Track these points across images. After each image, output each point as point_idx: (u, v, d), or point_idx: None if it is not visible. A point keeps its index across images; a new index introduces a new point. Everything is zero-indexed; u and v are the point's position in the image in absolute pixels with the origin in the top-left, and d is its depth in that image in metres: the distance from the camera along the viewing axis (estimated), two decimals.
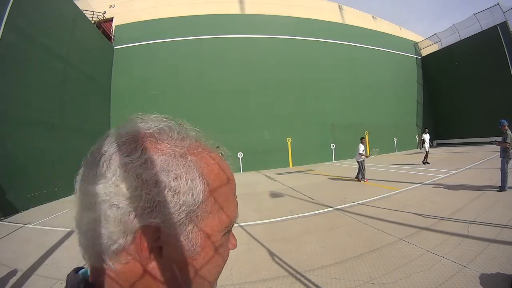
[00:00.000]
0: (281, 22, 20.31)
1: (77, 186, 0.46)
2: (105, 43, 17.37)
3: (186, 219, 0.42)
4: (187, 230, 0.42)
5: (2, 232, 6.31)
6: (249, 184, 11.99)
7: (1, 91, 8.85)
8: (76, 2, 14.23)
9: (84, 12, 15.29)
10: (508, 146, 6.91)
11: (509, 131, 6.99)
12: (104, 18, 18.52)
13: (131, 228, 0.39)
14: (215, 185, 0.47)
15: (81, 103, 13.70)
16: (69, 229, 6.23)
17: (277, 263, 3.84)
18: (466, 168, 10.84)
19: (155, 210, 0.39)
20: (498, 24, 20.42)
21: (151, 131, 0.46)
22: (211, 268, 0.47)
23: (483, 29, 21.89)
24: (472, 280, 2.93)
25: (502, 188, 6.72)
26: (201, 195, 0.43)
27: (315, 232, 5.02)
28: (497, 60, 20.10)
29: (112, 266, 0.40)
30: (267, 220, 6.08)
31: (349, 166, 15.54)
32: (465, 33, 23.56)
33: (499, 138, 7.20)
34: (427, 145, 13.48)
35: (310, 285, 3.19)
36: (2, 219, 7.78)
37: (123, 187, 0.39)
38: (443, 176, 9.73)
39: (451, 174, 9.96)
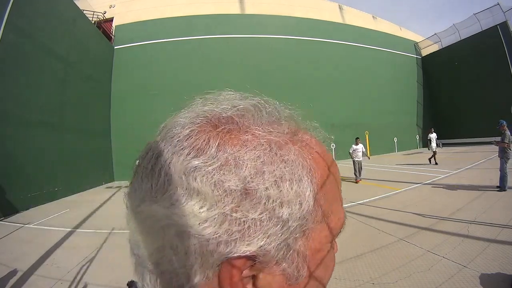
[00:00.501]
0: (281, 22, 20.30)
1: (127, 201, 0.35)
2: (105, 43, 17.37)
3: (290, 238, 0.29)
4: (291, 252, 0.29)
5: (2, 232, 6.30)
6: None
7: (1, 91, 8.85)
8: (76, 2, 14.23)
9: (84, 12, 15.29)
10: (506, 146, 6.91)
11: (507, 131, 6.99)
12: (104, 18, 18.51)
13: (213, 261, 0.27)
14: (322, 183, 0.33)
15: (81, 103, 13.70)
16: (69, 229, 6.24)
17: None
18: (466, 168, 10.83)
19: (247, 234, 0.27)
20: (498, 24, 20.38)
21: (228, 113, 0.34)
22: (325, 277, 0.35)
23: (483, 29, 21.85)
24: (472, 280, 2.92)
25: (501, 188, 6.71)
26: (311, 202, 0.31)
27: None
28: (497, 60, 20.06)
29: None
30: None
31: (349, 166, 15.52)
32: (465, 33, 23.53)
33: (498, 138, 7.19)
34: (434, 144, 13.07)
35: None
36: (2, 219, 7.78)
37: (195, 204, 0.27)
38: (443, 176, 9.72)
39: (451, 174, 9.95)
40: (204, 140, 0.29)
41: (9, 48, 9.16)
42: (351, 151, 10.65)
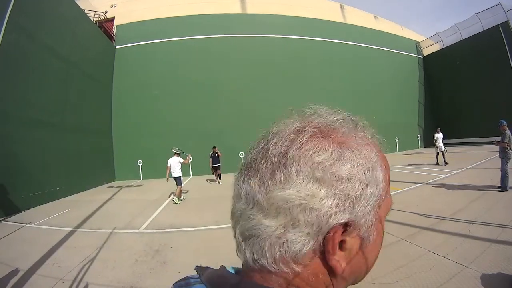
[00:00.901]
0: (283, 21, 20.27)
1: (246, 195, 0.45)
2: (106, 43, 17.40)
3: (371, 209, 0.41)
4: (369, 219, 0.41)
5: (4, 231, 6.33)
6: None
7: (2, 91, 8.88)
8: (77, 2, 14.26)
9: (86, 11, 15.31)
10: (506, 146, 6.90)
11: (507, 131, 6.97)
12: (105, 17, 18.55)
13: (324, 228, 0.38)
14: (387, 171, 0.48)
15: (82, 103, 13.74)
16: (70, 229, 6.25)
17: None
18: (468, 168, 10.81)
19: (348, 206, 0.39)
20: (499, 24, 20.31)
21: (334, 125, 0.47)
22: (376, 253, 0.47)
23: (484, 29, 21.78)
24: (474, 280, 2.92)
25: (503, 188, 6.70)
26: (382, 184, 0.43)
27: None
28: (498, 60, 20.00)
29: (296, 268, 0.39)
30: None
31: None
32: (467, 33, 23.45)
33: (499, 138, 7.18)
34: (440, 144, 12.56)
35: None
36: (4, 218, 7.81)
37: (317, 188, 0.38)
38: (444, 176, 9.71)
39: (452, 174, 9.94)
40: (323, 144, 0.41)
41: (11, 48, 9.18)
42: None
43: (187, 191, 10.97)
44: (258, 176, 0.43)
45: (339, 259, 0.40)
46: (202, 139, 15.86)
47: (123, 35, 18.57)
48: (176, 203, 8.58)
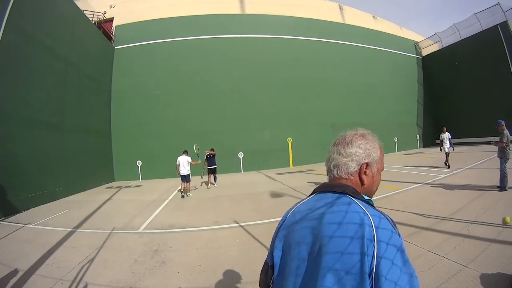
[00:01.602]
0: (282, 22, 20.28)
1: (335, 150, 1.04)
2: (105, 43, 17.39)
3: (374, 161, 1.01)
4: (374, 164, 1.01)
5: (3, 232, 6.32)
6: (250, 184, 12.01)
7: (2, 91, 8.86)
8: (76, 2, 14.25)
9: (85, 12, 15.29)
10: (504, 146, 6.91)
11: (505, 131, 6.99)
12: (104, 18, 18.52)
13: (360, 163, 0.98)
14: (381, 151, 1.05)
15: (81, 103, 13.72)
16: (69, 229, 6.25)
17: None
18: (467, 168, 10.83)
19: (369, 156, 0.99)
20: (498, 24, 20.35)
21: (365, 132, 1.08)
22: (379, 179, 1.06)
23: (483, 29, 21.82)
24: (473, 280, 2.93)
25: (502, 188, 6.71)
26: (379, 153, 1.03)
27: None
28: (497, 60, 20.04)
29: (352, 177, 0.98)
30: (268, 220, 6.09)
31: None
32: (466, 33, 23.49)
33: (497, 138, 7.19)
34: (446, 145, 12.07)
35: None
36: (3, 219, 7.79)
37: (360, 149, 0.99)
38: (443, 176, 9.73)
39: (452, 174, 9.96)
40: (361, 136, 1.04)
41: (10, 48, 9.16)
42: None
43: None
44: (340, 145, 1.03)
45: (364, 177, 0.98)
46: (201, 139, 15.83)
47: (122, 36, 18.56)
48: (184, 197, 9.77)
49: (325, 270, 0.76)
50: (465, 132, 22.36)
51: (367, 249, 0.73)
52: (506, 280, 2.84)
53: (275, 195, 8.96)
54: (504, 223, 2.54)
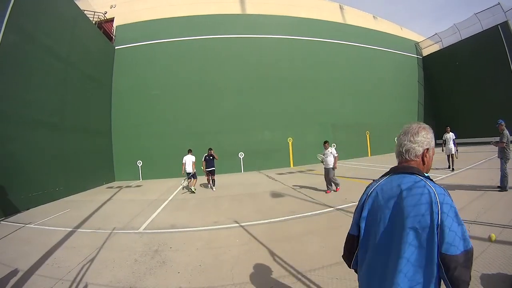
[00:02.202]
0: (282, 22, 20.28)
1: (406, 138, 1.36)
2: (106, 43, 17.40)
3: (431, 147, 1.36)
4: (431, 149, 1.36)
5: (3, 232, 6.33)
6: (250, 184, 12.00)
7: (2, 91, 8.87)
8: (77, 2, 14.26)
9: (85, 12, 15.31)
10: (504, 146, 6.90)
11: (505, 131, 6.98)
12: (105, 18, 18.52)
13: (424, 148, 1.32)
14: (433, 139, 1.38)
15: (81, 103, 13.73)
16: (69, 229, 6.25)
17: (278, 263, 3.84)
18: (467, 168, 10.81)
19: (429, 144, 1.34)
20: (499, 24, 20.31)
21: (425, 125, 1.38)
22: (431, 162, 1.38)
23: (484, 29, 21.79)
24: (473, 280, 2.89)
25: (502, 188, 6.70)
26: (434, 142, 1.38)
27: (316, 232, 5.03)
28: (498, 60, 20.01)
29: (417, 159, 1.33)
30: (268, 220, 6.09)
31: (350, 166, 15.53)
32: (466, 33, 23.45)
33: (497, 138, 7.17)
34: (451, 146, 10.89)
35: (311, 285, 3.19)
36: (3, 219, 7.81)
37: (424, 138, 1.33)
38: (443, 176, 9.72)
39: (452, 174, 9.95)
40: (425, 129, 1.37)
41: (10, 48, 9.18)
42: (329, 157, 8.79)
43: (190, 189, 10.94)
44: (410, 134, 1.34)
45: (425, 159, 1.34)
46: (201, 140, 15.84)
47: (123, 36, 18.56)
48: (194, 192, 10.52)
49: (408, 229, 1.12)
50: (466, 132, 22.28)
51: (435, 210, 1.09)
52: (506, 280, 2.84)
53: (275, 195, 8.97)
54: (490, 240, 2.56)
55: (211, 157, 11.10)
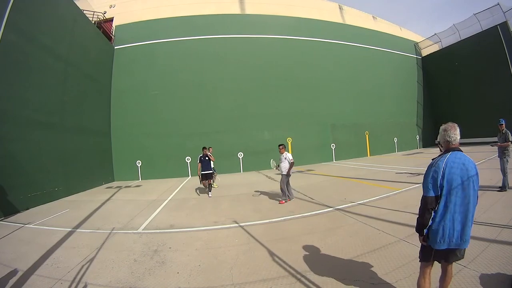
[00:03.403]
0: (281, 22, 20.30)
1: (451, 132, 2.25)
2: (105, 43, 17.39)
3: (446, 139, 2.30)
4: (440, 143, 2.39)
5: (3, 232, 6.32)
6: (249, 184, 11.99)
7: (1, 91, 8.86)
8: (76, 2, 14.26)
9: (84, 12, 15.30)
10: (508, 145, 6.88)
11: (505, 130, 6.96)
12: (104, 18, 18.52)
13: (441, 141, 2.34)
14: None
15: (81, 103, 13.73)
16: (69, 229, 6.25)
17: (277, 263, 3.84)
18: None
19: (452, 137, 2.25)
20: (498, 24, 20.34)
21: (454, 124, 2.30)
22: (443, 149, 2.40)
23: (483, 29, 21.82)
24: (472, 280, 2.93)
25: (502, 188, 6.70)
26: (446, 140, 2.31)
27: (315, 232, 5.02)
28: (497, 60, 20.05)
29: (457, 143, 2.28)
30: (267, 220, 6.09)
31: (349, 166, 15.54)
32: (466, 33, 23.49)
33: (496, 139, 7.18)
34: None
35: (310, 285, 3.19)
36: (2, 219, 7.79)
37: (457, 131, 2.25)
38: None
39: None
40: (454, 128, 2.28)
41: (9, 48, 9.17)
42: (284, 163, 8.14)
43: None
44: (453, 129, 2.25)
45: (441, 147, 2.50)
46: (201, 140, 15.84)
47: (122, 36, 18.56)
48: (215, 187, 10.99)
49: (472, 184, 2.09)
50: (465, 132, 21.91)
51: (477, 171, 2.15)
52: (506, 280, 2.84)
53: (275, 195, 8.96)
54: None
55: (207, 158, 9.85)
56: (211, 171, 10.02)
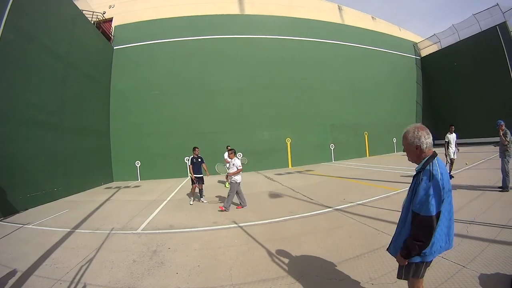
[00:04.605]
0: (281, 22, 20.32)
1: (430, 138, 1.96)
2: (104, 43, 17.38)
3: (419, 144, 1.94)
4: (419, 146, 1.94)
5: (2, 232, 6.30)
6: (249, 184, 11.97)
7: (1, 91, 8.85)
8: (75, 2, 14.25)
9: (84, 12, 15.29)
10: (507, 143, 6.89)
11: (507, 130, 6.97)
12: (103, 18, 18.51)
13: (416, 145, 1.95)
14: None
15: (80, 103, 13.71)
16: (68, 230, 6.23)
17: (276, 263, 3.84)
18: (465, 169, 10.84)
19: (423, 141, 1.93)
20: (497, 25, 20.40)
21: (421, 125, 2.00)
22: (421, 155, 1.98)
23: (482, 30, 21.89)
24: (472, 280, 2.93)
25: (503, 189, 6.69)
26: (423, 144, 1.95)
27: (314, 233, 5.02)
28: (496, 61, 20.10)
29: (416, 150, 1.99)
30: (267, 221, 6.08)
31: (348, 167, 15.54)
32: (465, 34, 23.56)
33: (499, 139, 7.18)
34: (452, 150, 9.37)
35: (310, 285, 3.19)
36: (2, 219, 7.78)
37: (420, 138, 1.93)
38: None
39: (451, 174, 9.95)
40: (421, 129, 1.97)
41: (9, 48, 9.17)
42: (233, 166, 7.51)
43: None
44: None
45: (420, 151, 1.96)
46: (201, 140, 15.83)
47: (121, 36, 18.56)
48: (226, 187, 10.81)
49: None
50: (464, 132, 22.31)
51: None
52: (505, 280, 2.84)
53: (274, 195, 8.96)
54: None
55: (199, 160, 8.86)
56: (202, 175, 8.90)
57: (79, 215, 7.79)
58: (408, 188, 2.26)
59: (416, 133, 1.96)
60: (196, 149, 9.04)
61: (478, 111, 21.25)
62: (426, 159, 1.94)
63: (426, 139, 1.93)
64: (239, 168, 7.37)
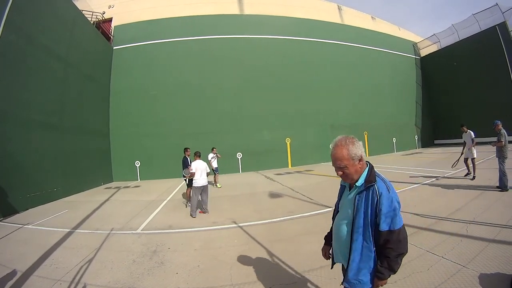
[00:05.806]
0: (280, 22, 20.30)
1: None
2: (104, 44, 17.37)
3: (359, 157, 1.62)
4: (361, 158, 1.64)
5: (1, 232, 6.30)
6: (248, 184, 11.99)
7: (1, 91, 8.84)
8: (75, 3, 14.24)
9: (83, 12, 15.28)
10: (502, 145, 6.94)
11: (502, 130, 7.04)
12: (103, 18, 18.51)
13: (357, 158, 1.62)
14: (363, 151, 1.65)
15: (80, 104, 13.71)
16: (68, 230, 6.23)
17: (276, 263, 3.84)
18: (465, 168, 10.83)
19: (359, 154, 1.62)
20: (497, 25, 20.43)
21: (354, 139, 1.66)
22: (361, 168, 1.68)
23: (482, 30, 21.91)
24: (472, 280, 2.93)
25: (502, 188, 6.71)
26: (361, 153, 1.63)
27: (314, 232, 5.02)
28: (495, 60, 20.12)
29: (356, 163, 1.63)
30: (267, 221, 6.08)
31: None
32: (464, 34, 23.58)
33: (495, 139, 7.23)
34: (466, 149, 9.38)
35: (310, 285, 3.19)
36: (1, 219, 7.77)
37: (353, 150, 1.61)
38: (442, 176, 9.73)
39: (450, 174, 9.97)
40: (352, 141, 1.65)
41: (8, 48, 9.16)
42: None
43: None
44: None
45: (361, 164, 1.65)
46: (200, 140, 15.84)
47: (121, 36, 18.55)
48: (218, 187, 11.17)
49: None
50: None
51: None
52: (505, 280, 2.84)
53: (274, 195, 8.96)
54: None
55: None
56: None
57: (78, 215, 7.79)
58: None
59: (356, 142, 1.64)
60: (188, 150, 9.14)
61: (478, 111, 21.23)
62: (369, 170, 1.68)
63: (362, 147, 1.67)
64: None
